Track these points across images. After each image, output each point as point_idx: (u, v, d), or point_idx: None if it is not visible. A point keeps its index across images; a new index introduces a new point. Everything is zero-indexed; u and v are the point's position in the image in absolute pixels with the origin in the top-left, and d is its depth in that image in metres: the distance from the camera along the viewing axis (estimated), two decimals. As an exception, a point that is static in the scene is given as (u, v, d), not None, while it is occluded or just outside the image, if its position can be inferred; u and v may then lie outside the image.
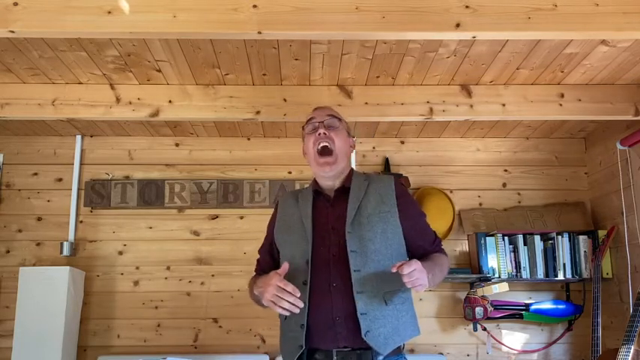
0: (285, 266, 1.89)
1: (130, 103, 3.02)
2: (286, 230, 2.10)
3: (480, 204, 3.81)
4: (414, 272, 1.79)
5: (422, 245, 2.09)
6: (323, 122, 2.09)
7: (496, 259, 3.53)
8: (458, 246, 3.76)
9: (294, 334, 1.94)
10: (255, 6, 2.09)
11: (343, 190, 2.08)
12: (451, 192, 3.80)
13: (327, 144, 2.06)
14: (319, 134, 2.06)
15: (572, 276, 3.50)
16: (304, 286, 1.93)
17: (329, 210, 2.06)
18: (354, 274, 1.91)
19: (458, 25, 2.10)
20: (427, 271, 1.86)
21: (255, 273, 2.21)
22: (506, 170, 3.87)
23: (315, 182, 2.15)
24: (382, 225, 2.00)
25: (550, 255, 3.53)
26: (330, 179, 2.09)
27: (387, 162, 3.81)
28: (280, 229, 2.13)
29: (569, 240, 3.55)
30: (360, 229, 1.97)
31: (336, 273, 1.94)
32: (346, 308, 1.89)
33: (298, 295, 1.83)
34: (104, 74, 2.91)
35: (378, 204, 2.03)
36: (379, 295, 1.92)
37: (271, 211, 2.28)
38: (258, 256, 2.26)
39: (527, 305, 3.62)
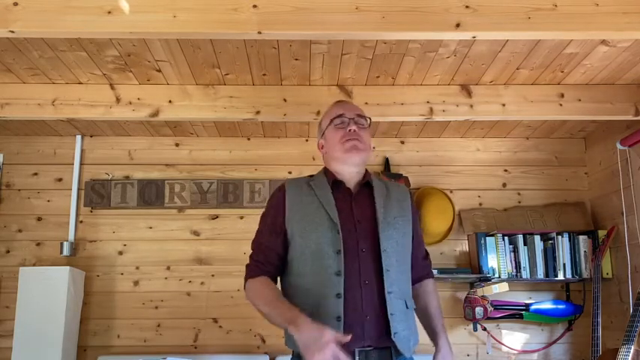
0: (347, 338, 1.74)
1: (130, 103, 3.02)
2: (305, 218, 1.97)
3: (480, 204, 3.81)
4: None
5: (417, 256, 2.13)
6: (354, 119, 2.06)
7: (496, 259, 3.53)
8: (458, 246, 3.76)
9: (327, 325, 1.82)
10: (255, 6, 2.09)
11: (365, 185, 2.07)
12: (451, 192, 3.80)
13: (356, 143, 2.03)
14: (350, 130, 2.03)
15: (572, 276, 3.50)
16: (338, 277, 1.88)
17: (352, 203, 2.01)
18: (386, 274, 1.90)
19: (458, 25, 2.10)
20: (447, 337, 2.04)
21: (254, 262, 2.02)
22: (506, 170, 3.87)
23: (330, 173, 2.07)
24: (403, 229, 2.02)
25: (550, 255, 3.53)
26: (352, 167, 2.05)
27: (387, 162, 3.81)
28: (296, 218, 1.98)
29: (569, 240, 3.55)
30: (389, 229, 1.97)
31: (365, 269, 1.91)
32: (376, 307, 1.89)
33: None
34: (104, 74, 2.92)
35: (399, 208, 2.04)
36: (402, 298, 1.94)
37: None
38: (256, 246, 2.06)
39: (527, 305, 3.62)
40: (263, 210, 2.11)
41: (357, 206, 2.01)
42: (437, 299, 2.11)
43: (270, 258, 2.02)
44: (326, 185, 2.03)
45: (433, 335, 2.03)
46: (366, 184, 2.07)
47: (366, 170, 2.11)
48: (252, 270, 2.02)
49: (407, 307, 1.96)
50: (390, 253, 1.94)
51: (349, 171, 2.05)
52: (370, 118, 2.13)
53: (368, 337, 1.87)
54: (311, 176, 2.13)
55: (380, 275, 1.90)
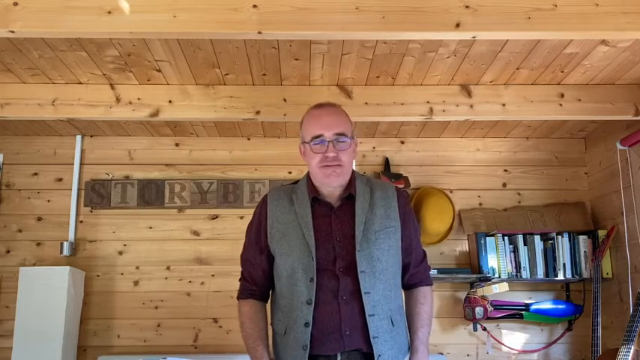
0: None
1: (130, 103, 3.02)
2: (283, 239, 1.97)
3: (480, 204, 3.81)
4: None
5: (409, 263, 2.05)
6: (333, 142, 1.94)
7: (496, 259, 3.53)
8: (458, 246, 3.76)
9: (295, 353, 1.89)
10: (255, 6, 2.09)
11: (347, 197, 2.00)
12: (451, 192, 3.80)
13: (334, 169, 1.93)
14: (327, 157, 1.93)
15: (572, 276, 3.50)
16: (308, 306, 1.87)
17: (332, 219, 1.96)
18: (365, 297, 1.87)
19: (458, 25, 2.10)
20: (426, 348, 1.99)
21: (242, 280, 2.09)
22: (506, 170, 3.87)
23: (312, 187, 2.01)
24: (388, 242, 1.95)
25: (550, 255, 3.53)
26: (330, 188, 1.99)
27: (387, 162, 3.81)
28: (275, 237, 1.99)
29: (569, 240, 3.55)
30: (369, 246, 1.91)
31: (345, 287, 1.88)
32: (356, 322, 1.87)
33: None
34: (104, 74, 2.91)
35: (383, 218, 1.97)
36: (387, 317, 1.91)
37: None
38: (243, 262, 2.12)
39: (527, 305, 3.62)
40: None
41: (337, 222, 1.96)
42: (426, 310, 2.03)
43: (256, 276, 2.05)
44: (306, 201, 1.98)
45: (411, 347, 2.00)
46: (349, 195, 2.00)
47: (352, 175, 2.03)
48: (241, 290, 2.09)
49: (393, 325, 1.92)
50: (370, 273, 1.89)
51: (328, 190, 2.00)
52: (353, 137, 2.01)
53: (348, 345, 1.87)
54: (296, 182, 2.09)
55: (360, 297, 1.87)
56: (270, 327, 2.09)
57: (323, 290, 1.88)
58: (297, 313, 1.90)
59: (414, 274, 2.06)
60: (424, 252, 2.12)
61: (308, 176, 2.05)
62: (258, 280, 2.05)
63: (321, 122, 1.98)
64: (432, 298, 2.08)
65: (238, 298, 2.09)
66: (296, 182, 2.11)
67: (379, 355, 1.86)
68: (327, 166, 1.93)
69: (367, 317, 1.86)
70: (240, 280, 2.11)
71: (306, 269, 1.90)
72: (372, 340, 1.86)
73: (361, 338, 1.87)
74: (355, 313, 1.88)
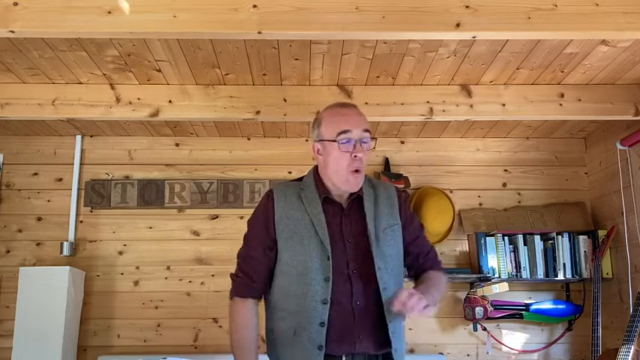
0: None
1: (130, 103, 3.02)
2: (294, 237, 1.92)
3: (480, 204, 3.81)
4: (413, 298, 1.71)
5: (418, 253, 2.03)
6: (360, 140, 1.92)
7: (496, 259, 3.53)
8: (458, 246, 3.76)
9: (309, 353, 1.85)
10: (255, 6, 2.09)
11: (355, 198, 1.98)
12: (451, 192, 3.80)
13: (358, 175, 1.92)
14: (355, 156, 1.90)
15: (572, 276, 3.50)
16: (324, 305, 1.85)
17: (343, 219, 1.95)
18: (384, 293, 1.87)
19: (458, 25, 2.10)
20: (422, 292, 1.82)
21: (244, 276, 1.96)
22: (506, 170, 3.87)
23: (322, 186, 1.97)
24: (395, 239, 1.96)
25: (550, 255, 3.53)
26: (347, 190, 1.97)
27: (387, 162, 3.81)
28: (284, 234, 1.93)
29: (569, 240, 3.55)
30: (380, 244, 1.91)
31: (358, 290, 1.87)
32: (370, 326, 1.87)
33: None
34: (104, 74, 2.92)
35: (389, 217, 1.97)
36: (401, 312, 1.90)
37: None
38: (247, 259, 2.01)
39: (527, 305, 3.62)
40: (250, 217, 2.04)
41: (347, 222, 1.94)
42: (434, 278, 1.97)
43: (262, 273, 1.96)
44: (317, 200, 1.95)
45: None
46: (358, 196, 1.99)
47: None
48: (241, 287, 1.96)
49: (403, 320, 1.94)
50: (384, 270, 1.90)
51: (341, 190, 1.97)
52: (375, 138, 2.01)
53: (359, 348, 1.86)
54: (300, 179, 2.05)
55: (376, 295, 1.87)
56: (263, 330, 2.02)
57: (335, 290, 1.87)
58: (312, 312, 1.85)
59: (425, 261, 2.04)
60: (431, 244, 2.11)
61: (315, 174, 2.01)
62: (260, 278, 1.97)
63: (348, 119, 1.95)
64: (444, 283, 2.03)
65: (234, 295, 1.96)
66: (299, 179, 2.07)
67: (395, 350, 1.87)
68: (354, 172, 1.91)
69: (385, 312, 1.86)
70: (233, 277, 1.99)
71: (322, 269, 1.87)
72: (390, 335, 1.86)
73: (372, 339, 1.87)
74: (369, 313, 1.87)
